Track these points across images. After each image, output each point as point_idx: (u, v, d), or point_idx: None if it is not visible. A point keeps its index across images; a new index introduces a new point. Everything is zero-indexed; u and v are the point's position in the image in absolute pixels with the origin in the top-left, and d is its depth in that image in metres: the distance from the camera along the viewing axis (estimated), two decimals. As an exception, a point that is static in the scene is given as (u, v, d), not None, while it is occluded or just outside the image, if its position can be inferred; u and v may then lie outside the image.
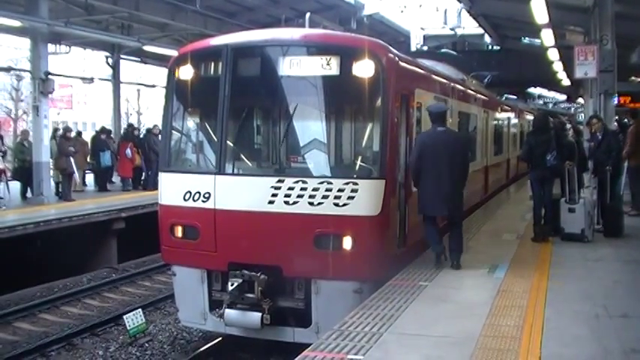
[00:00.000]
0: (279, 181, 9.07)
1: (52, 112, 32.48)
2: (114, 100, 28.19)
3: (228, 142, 9.63)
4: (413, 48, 32.35)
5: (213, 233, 9.36)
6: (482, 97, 18.39)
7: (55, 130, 22.46)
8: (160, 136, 17.34)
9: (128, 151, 22.51)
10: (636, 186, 15.47)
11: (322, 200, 8.85)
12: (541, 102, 53.86)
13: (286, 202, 8.98)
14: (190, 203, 9.48)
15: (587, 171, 13.68)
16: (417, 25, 33.60)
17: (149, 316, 12.59)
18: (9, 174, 20.28)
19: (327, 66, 9.12)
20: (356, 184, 8.85)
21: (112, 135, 24.98)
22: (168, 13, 22.29)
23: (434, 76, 12.69)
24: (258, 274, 8.96)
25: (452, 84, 14.05)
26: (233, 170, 9.57)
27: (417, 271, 9.63)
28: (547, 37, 20.43)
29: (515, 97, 35.48)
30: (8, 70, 34.59)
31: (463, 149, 10.24)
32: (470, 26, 32.28)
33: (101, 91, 44.86)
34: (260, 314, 8.97)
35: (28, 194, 19.69)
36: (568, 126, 17.61)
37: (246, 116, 10.37)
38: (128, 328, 11.27)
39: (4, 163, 19.46)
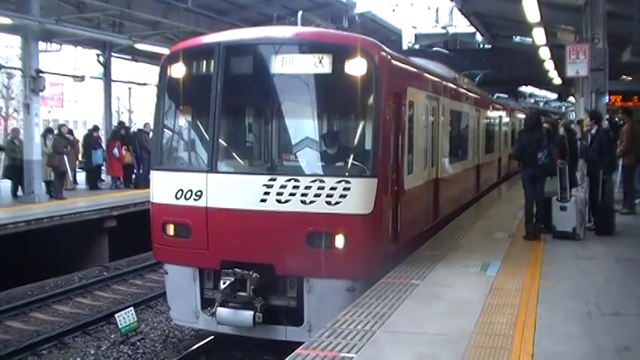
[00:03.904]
0: (271, 179, 9.04)
1: (43, 111, 32.34)
2: (105, 99, 28.05)
3: (220, 140, 9.60)
4: (405, 46, 32.39)
5: (206, 231, 9.33)
6: (474, 95, 18.41)
7: (48, 130, 22.28)
8: (151, 133, 17.25)
9: (115, 150, 22.42)
10: (629, 184, 15.52)
11: (314, 199, 8.83)
12: (532, 101, 54.03)
13: (278, 201, 8.96)
14: (182, 201, 9.44)
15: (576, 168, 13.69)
16: (408, 23, 33.66)
17: (141, 314, 12.54)
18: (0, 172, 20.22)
19: (320, 64, 9.08)
20: (348, 182, 8.82)
21: (100, 133, 24.82)
22: (160, 10, 22.24)
23: (426, 75, 12.69)
24: (251, 273, 8.93)
25: (444, 82, 14.05)
26: (225, 168, 9.54)
27: (409, 270, 9.63)
28: (538, 35, 20.48)
29: (506, 95, 35.51)
30: (-1, 67, 34.37)
31: None
32: (461, 25, 32.41)
33: (92, 89, 44.79)
34: (252, 313, 8.93)
35: (19, 192, 19.61)
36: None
37: (238, 114, 10.36)
38: (120, 326, 11.22)
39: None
